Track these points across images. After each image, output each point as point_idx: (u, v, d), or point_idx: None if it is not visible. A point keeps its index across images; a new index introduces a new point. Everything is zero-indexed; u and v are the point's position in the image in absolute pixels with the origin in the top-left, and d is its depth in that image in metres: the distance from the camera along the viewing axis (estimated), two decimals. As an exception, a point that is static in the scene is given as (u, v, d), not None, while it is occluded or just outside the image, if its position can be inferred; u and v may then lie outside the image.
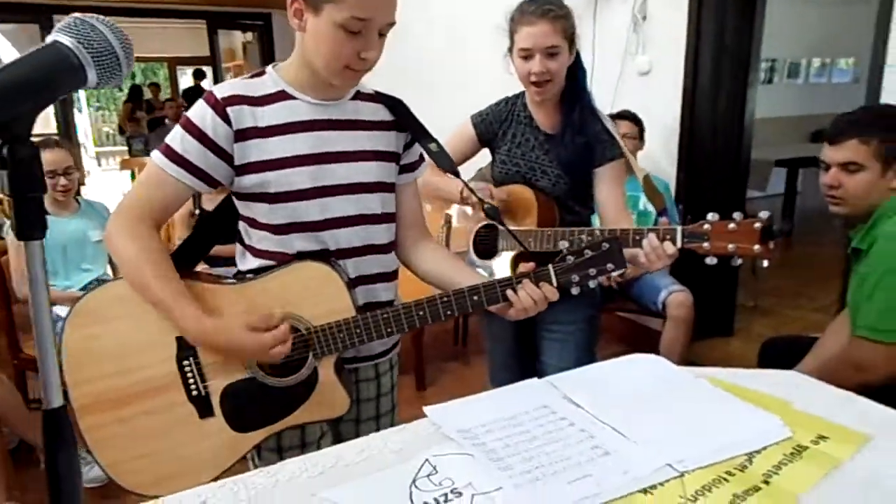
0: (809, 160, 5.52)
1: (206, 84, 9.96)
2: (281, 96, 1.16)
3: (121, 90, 16.73)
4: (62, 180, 2.45)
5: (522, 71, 1.53)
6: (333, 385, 1.16)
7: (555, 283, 1.15)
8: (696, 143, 3.15)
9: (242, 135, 1.12)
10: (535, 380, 1.16)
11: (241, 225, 1.25)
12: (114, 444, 1.11)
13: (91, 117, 14.80)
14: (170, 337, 1.11)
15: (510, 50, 1.57)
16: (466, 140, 1.62)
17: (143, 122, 8.50)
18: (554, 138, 1.55)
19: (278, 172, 1.14)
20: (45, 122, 10.69)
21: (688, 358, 2.67)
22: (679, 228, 1.22)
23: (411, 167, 1.32)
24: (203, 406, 1.12)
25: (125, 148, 10.70)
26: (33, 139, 0.65)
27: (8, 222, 2.40)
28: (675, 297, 2.53)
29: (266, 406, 1.14)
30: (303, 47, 1.14)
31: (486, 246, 1.62)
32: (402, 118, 1.27)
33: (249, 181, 1.15)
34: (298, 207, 1.16)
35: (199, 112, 1.12)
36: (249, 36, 9.32)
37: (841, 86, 7.14)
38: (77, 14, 0.69)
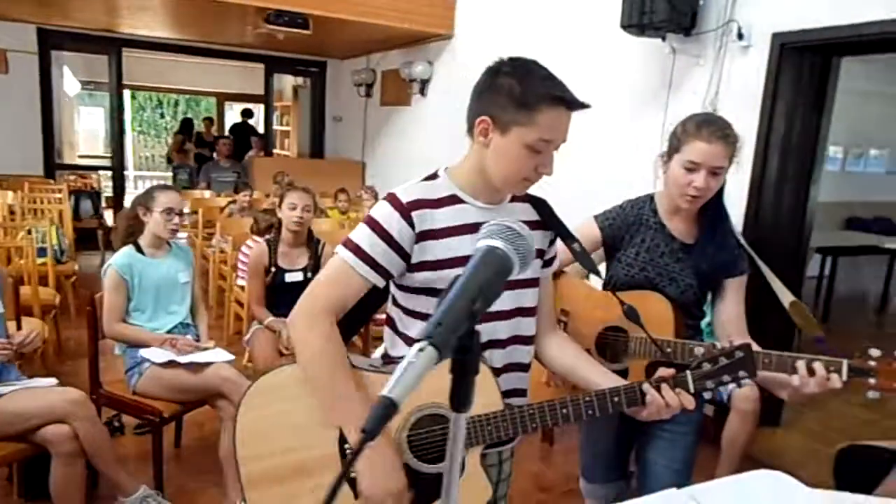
0: (843, 249, 5.70)
1: (253, 122, 10.24)
2: (453, 200, 1.26)
3: (162, 117, 17.24)
4: (176, 219, 2.55)
5: (681, 181, 1.56)
6: (479, 474, 1.22)
7: (692, 390, 1.21)
8: (760, 233, 3.23)
9: (422, 236, 1.21)
10: (674, 490, 1.20)
11: (395, 312, 1.33)
12: (274, 517, 1.16)
13: (133, 140, 15.14)
14: (334, 420, 1.18)
15: (668, 155, 1.61)
16: (590, 241, 1.67)
17: (191, 153, 8.75)
18: (692, 248, 1.62)
19: (449, 271, 1.23)
20: (93, 145, 11.03)
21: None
22: (845, 363, 1.28)
23: (550, 262, 1.40)
24: (356, 486, 1.18)
25: (163, 174, 11.00)
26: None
27: (111, 262, 2.50)
28: (742, 391, 2.56)
29: (418, 489, 1.20)
30: (480, 158, 1.23)
31: (612, 348, 1.67)
32: (546, 217, 1.36)
33: (421, 277, 1.24)
34: None
35: (386, 215, 1.21)
36: (300, 80, 9.66)
37: (874, 175, 7.23)
38: (505, 223, 0.80)
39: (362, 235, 1.22)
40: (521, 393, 1.35)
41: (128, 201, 7.79)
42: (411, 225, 1.20)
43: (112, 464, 2.18)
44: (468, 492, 1.21)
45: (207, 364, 2.37)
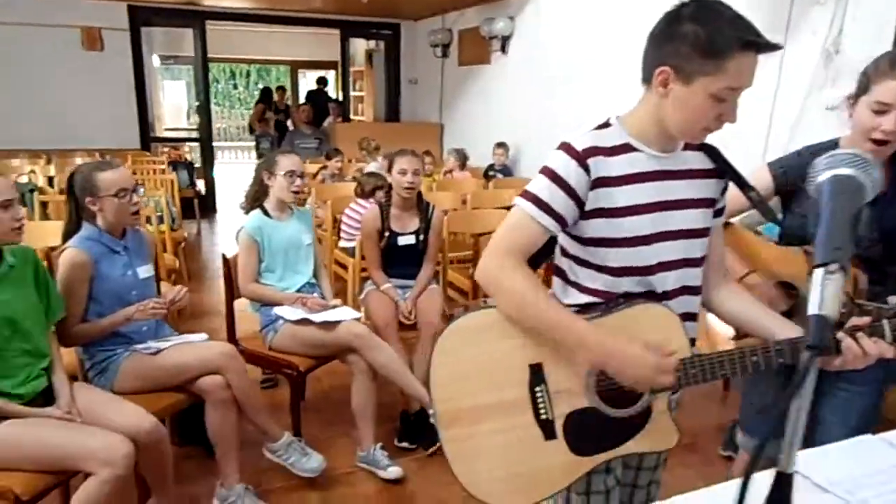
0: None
1: (331, 90, 10.35)
2: (626, 148, 1.25)
3: (235, 88, 17.65)
4: (298, 181, 2.65)
5: (868, 124, 1.48)
6: (666, 419, 1.24)
7: (889, 339, 1.18)
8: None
9: (597, 183, 1.22)
10: (869, 436, 1.19)
11: (565, 262, 1.34)
12: (467, 456, 1.22)
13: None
14: (524, 364, 1.21)
15: (855, 96, 1.53)
16: (763, 189, 1.60)
17: (271, 122, 8.96)
18: (878, 200, 1.55)
19: (623, 219, 1.23)
20: (177, 118, 11.46)
21: None
22: None
23: (721, 211, 1.38)
24: (548, 429, 1.22)
25: (246, 143, 11.34)
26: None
27: (243, 225, 2.63)
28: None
29: (603, 434, 1.23)
30: (658, 108, 1.21)
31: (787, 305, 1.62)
32: (720, 165, 1.33)
33: (593, 225, 1.24)
34: (636, 252, 1.24)
35: (562, 163, 1.22)
36: (373, 44, 9.68)
37: None
38: (851, 151, 0.87)
39: (541, 185, 1.23)
40: (690, 343, 1.35)
41: (216, 171, 8.10)
42: (587, 171, 1.21)
43: (260, 412, 2.32)
44: (654, 436, 1.24)
45: (338, 321, 2.47)
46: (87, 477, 1.76)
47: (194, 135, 8.97)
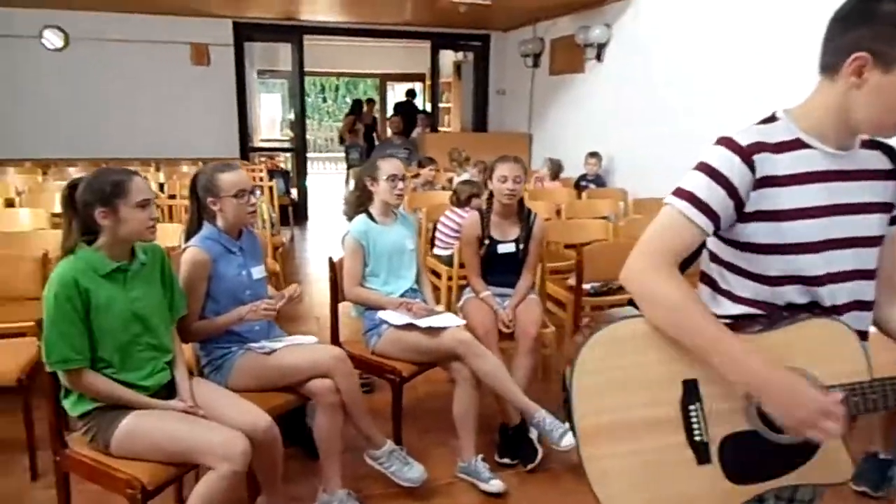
0: None
1: (419, 102, 10.51)
2: (796, 145, 1.13)
3: (325, 101, 18.24)
4: (400, 185, 2.65)
5: None
6: (838, 448, 1.11)
7: None
8: None
9: (762, 182, 1.11)
10: None
11: (716, 269, 1.24)
12: (609, 476, 1.13)
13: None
14: (676, 379, 1.12)
15: None
16: None
17: (360, 133, 9.18)
18: None
19: (790, 224, 1.11)
20: (271, 129, 11.95)
21: None
22: None
23: None
24: (702, 453, 1.12)
25: (336, 154, 11.66)
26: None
27: (349, 230, 2.65)
28: None
29: (765, 461, 1.12)
30: (845, 99, 1.08)
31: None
32: None
33: (751, 229, 1.13)
34: (801, 260, 1.12)
35: (723, 159, 1.11)
36: (461, 56, 9.74)
37: None
38: None
39: (698, 182, 1.13)
40: None
41: (308, 181, 8.37)
42: (752, 169, 1.10)
43: (365, 417, 2.31)
44: (823, 466, 1.11)
45: (443, 327, 2.44)
46: (200, 472, 1.79)
47: (287, 145, 9.31)
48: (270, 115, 11.75)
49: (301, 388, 2.20)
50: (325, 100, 17.83)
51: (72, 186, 1.83)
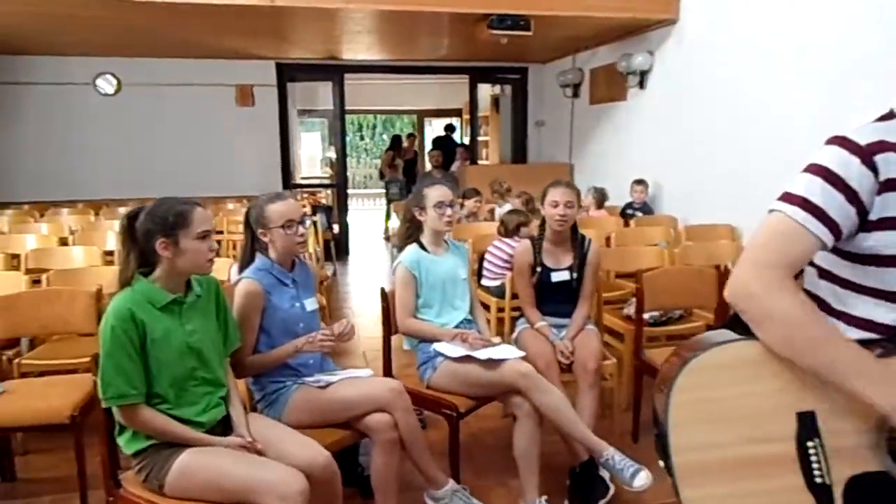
0: None
1: (457, 136, 10.58)
2: None
3: (362, 139, 18.54)
4: (448, 211, 2.59)
5: None
6: None
7: None
8: None
9: (887, 186, 1.00)
10: None
11: (826, 287, 1.12)
12: (717, 522, 1.01)
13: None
14: (790, 411, 1.00)
15: None
16: None
17: (400, 168, 9.24)
18: None
19: None
20: (311, 166, 12.15)
21: None
22: None
23: None
24: (824, 497, 0.99)
25: (377, 190, 11.75)
26: None
27: (400, 259, 2.59)
28: None
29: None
30: None
31: None
32: None
33: (875, 239, 1.02)
34: None
35: (840, 160, 1.01)
36: (498, 89, 9.79)
37: None
38: None
39: (811, 186, 1.01)
40: None
41: (350, 216, 8.43)
42: (874, 171, 0.99)
43: (425, 454, 2.21)
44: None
45: (502, 360, 2.33)
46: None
47: (327, 181, 9.42)
48: (310, 153, 11.96)
49: (357, 423, 2.12)
50: (362, 137, 18.13)
51: (132, 217, 1.81)
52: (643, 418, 2.94)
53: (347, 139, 18.36)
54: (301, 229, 2.19)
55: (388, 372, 2.62)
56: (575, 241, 2.90)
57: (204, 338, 1.88)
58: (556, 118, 7.93)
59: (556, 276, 2.86)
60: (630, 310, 3.46)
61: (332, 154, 12.19)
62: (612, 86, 6.49)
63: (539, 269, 2.86)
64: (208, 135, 7.50)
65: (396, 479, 2.13)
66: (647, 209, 5.62)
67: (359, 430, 2.14)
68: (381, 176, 9.71)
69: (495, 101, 9.73)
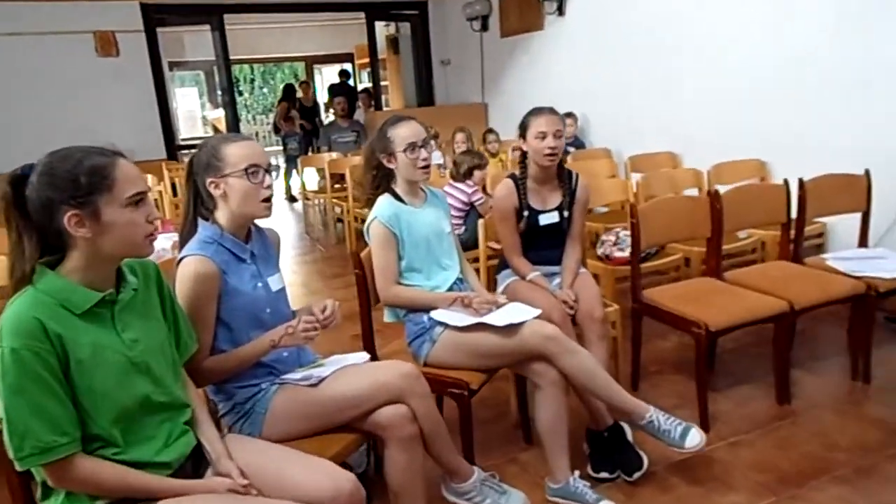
0: None
1: (352, 84, 9.80)
2: None
3: (241, 94, 17.07)
4: (423, 154, 2.12)
5: None
6: None
7: None
8: None
9: None
10: None
11: None
12: None
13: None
14: None
15: None
16: None
17: (297, 120, 8.42)
18: None
19: None
20: (192, 126, 10.92)
21: None
22: None
23: None
24: None
25: (274, 148, 10.77)
26: None
27: (374, 215, 2.10)
28: None
29: None
30: None
31: None
32: None
33: None
34: None
35: None
36: (393, 28, 9.13)
37: None
38: None
39: None
40: None
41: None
42: None
43: (449, 446, 1.80)
44: None
45: (520, 322, 1.94)
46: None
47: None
48: (186, 110, 10.69)
49: (362, 422, 1.66)
50: (240, 93, 16.67)
51: (16, 181, 1.21)
52: (643, 362, 2.70)
53: (218, 97, 16.91)
54: (269, 180, 1.65)
55: (372, 353, 2.16)
56: (562, 177, 2.53)
57: (150, 347, 1.33)
58: (463, 55, 7.46)
59: (545, 219, 2.50)
60: (605, 249, 3.18)
61: (215, 112, 11.07)
62: (527, 15, 6.12)
63: (526, 212, 2.47)
64: (69, 93, 6.31)
65: (423, 481, 1.71)
66: (579, 143, 5.38)
67: (364, 431, 1.69)
68: (276, 130, 8.82)
69: (393, 42, 9.07)
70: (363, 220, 4.94)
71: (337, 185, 5.77)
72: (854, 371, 2.68)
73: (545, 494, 2.03)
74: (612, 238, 3.19)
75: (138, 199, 1.24)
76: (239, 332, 1.66)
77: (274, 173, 1.68)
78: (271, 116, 12.96)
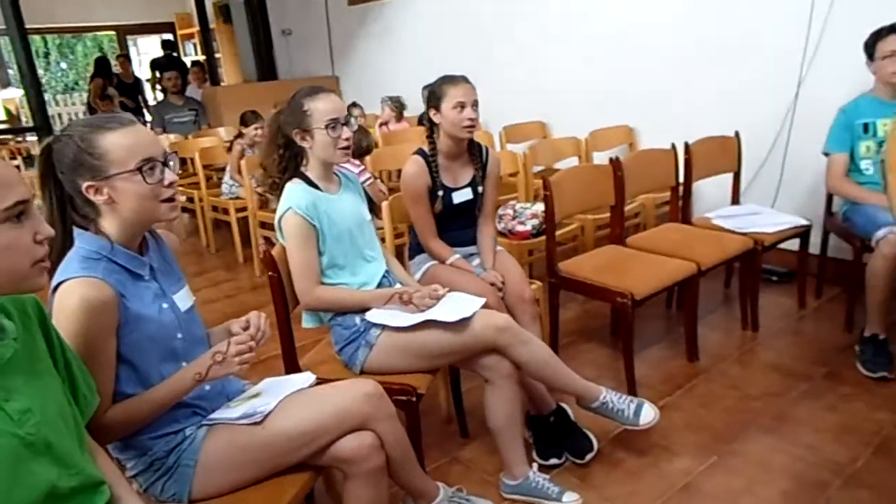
0: None
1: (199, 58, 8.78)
2: None
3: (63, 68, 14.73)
4: (346, 133, 1.83)
5: None
6: None
7: None
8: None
9: None
10: None
11: None
12: None
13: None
14: None
15: None
16: None
17: (116, 99, 7.36)
18: None
19: None
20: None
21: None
22: None
23: None
24: None
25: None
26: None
27: (289, 205, 1.78)
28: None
29: None
30: None
31: None
32: None
33: None
34: None
35: None
36: (221, -4, 8.31)
37: None
38: None
39: None
40: None
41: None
42: None
43: (417, 469, 1.59)
44: None
45: (471, 315, 1.76)
46: None
47: (22, 126, 7.14)
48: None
49: (319, 457, 1.39)
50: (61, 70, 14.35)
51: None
52: (560, 336, 2.67)
53: (9, 74, 14.49)
54: (170, 175, 1.28)
55: (290, 363, 1.86)
56: (472, 151, 2.38)
57: (48, 416, 0.96)
58: (307, 25, 6.96)
59: (458, 197, 2.33)
60: (506, 224, 3.09)
61: (5, 92, 9.37)
62: (377, -19, 5.81)
63: (440, 191, 2.28)
64: None
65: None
66: (445, 115, 5.24)
67: (319, 467, 1.42)
68: (91, 110, 7.66)
69: (222, 10, 8.25)
70: (224, 210, 4.46)
71: (179, 171, 5.11)
72: (744, 321, 2.86)
73: (500, 492, 1.90)
74: (510, 212, 3.12)
75: (19, 213, 0.86)
76: (147, 370, 1.31)
77: (171, 162, 1.31)
78: (76, 96, 11.31)
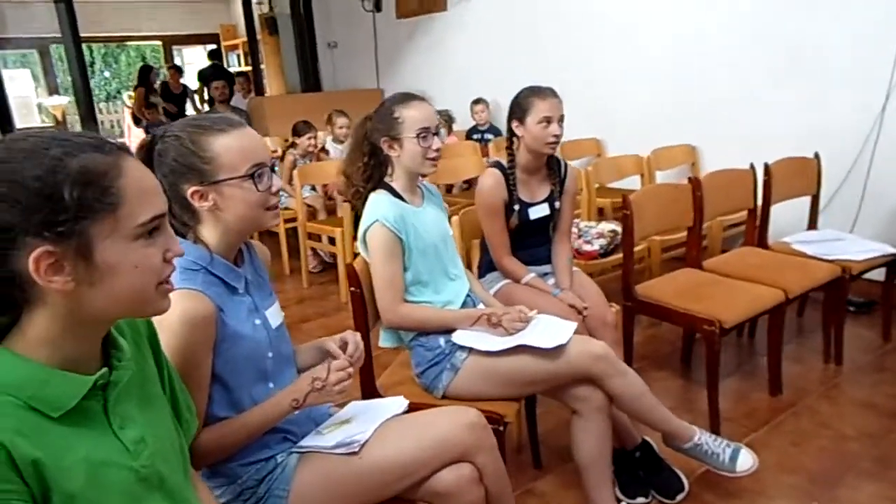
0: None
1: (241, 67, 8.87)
2: None
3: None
4: (436, 143, 1.74)
5: None
6: None
7: None
8: None
9: None
10: None
11: None
12: None
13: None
14: None
15: None
16: None
17: (160, 108, 7.43)
18: None
19: None
20: (28, 114, 9.35)
21: None
22: None
23: None
24: None
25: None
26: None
27: (376, 217, 1.69)
28: None
29: None
30: None
31: None
32: None
33: None
34: None
35: None
36: (266, 7, 8.39)
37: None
38: None
39: None
40: None
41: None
42: None
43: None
44: None
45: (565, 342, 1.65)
46: None
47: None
48: (18, 97, 9.09)
49: (415, 490, 1.28)
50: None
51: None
52: (634, 365, 2.53)
53: (57, 80, 14.82)
54: (277, 182, 1.20)
55: (371, 387, 1.76)
56: (550, 165, 2.27)
57: (160, 446, 0.87)
58: (354, 38, 6.97)
59: (535, 212, 2.23)
60: (574, 244, 2.97)
61: (53, 99, 9.54)
62: (428, -5, 5.80)
63: (516, 206, 2.18)
64: None
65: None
66: (495, 130, 5.17)
67: (411, 501, 1.31)
68: (137, 121, 7.74)
69: (269, 22, 8.31)
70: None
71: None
72: (826, 354, 2.69)
73: (584, 531, 1.77)
74: (575, 231, 3.00)
75: (153, 227, 0.77)
76: (239, 391, 1.22)
77: (277, 168, 1.24)
78: (118, 104, 11.49)
